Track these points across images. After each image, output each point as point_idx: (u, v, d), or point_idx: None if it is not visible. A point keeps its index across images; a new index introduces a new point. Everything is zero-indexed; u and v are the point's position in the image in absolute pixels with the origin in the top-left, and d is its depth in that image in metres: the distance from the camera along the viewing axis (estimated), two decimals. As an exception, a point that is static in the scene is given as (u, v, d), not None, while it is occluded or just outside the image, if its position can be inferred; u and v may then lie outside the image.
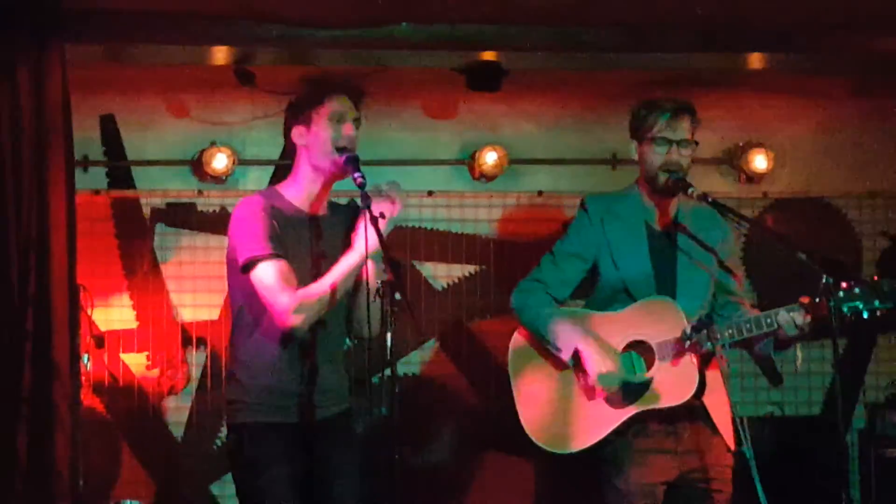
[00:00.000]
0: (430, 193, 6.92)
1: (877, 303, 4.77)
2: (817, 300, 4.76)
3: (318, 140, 4.80)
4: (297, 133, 4.83)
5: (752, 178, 7.08)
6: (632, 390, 4.94)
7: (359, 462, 4.88)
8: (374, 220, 4.52)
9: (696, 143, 5.12)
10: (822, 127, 7.20)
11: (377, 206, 4.58)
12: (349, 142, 4.78)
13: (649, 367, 4.94)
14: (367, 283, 4.74)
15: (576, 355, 5.02)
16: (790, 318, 4.80)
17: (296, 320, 4.68)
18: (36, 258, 5.08)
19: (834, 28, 6.26)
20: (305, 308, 4.67)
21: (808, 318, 4.79)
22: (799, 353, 5.41)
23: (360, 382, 5.12)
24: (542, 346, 5.16)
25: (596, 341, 5.00)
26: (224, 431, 6.51)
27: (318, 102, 4.84)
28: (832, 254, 5.10)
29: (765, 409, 6.88)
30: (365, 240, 4.60)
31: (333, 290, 4.71)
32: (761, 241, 6.66)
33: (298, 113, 4.89)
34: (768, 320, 4.84)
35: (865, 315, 4.77)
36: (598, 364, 4.93)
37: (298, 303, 4.66)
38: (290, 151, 4.97)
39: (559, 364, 5.11)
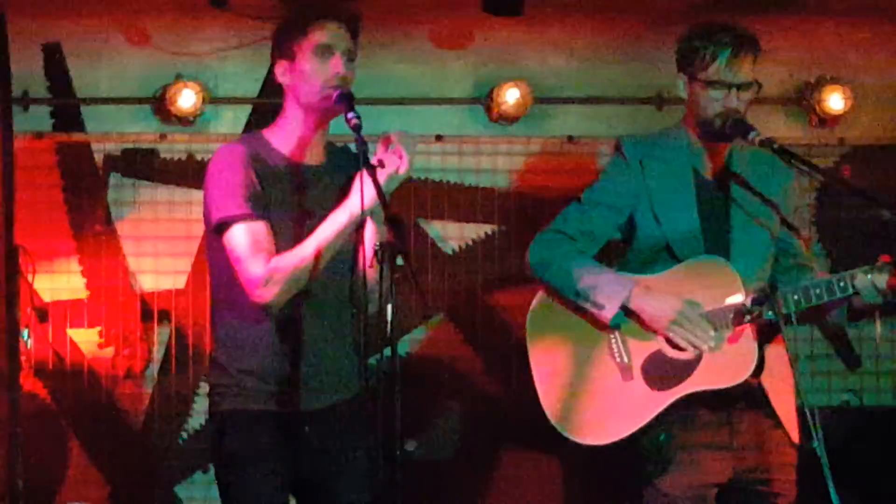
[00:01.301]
0: (438, 138, 6.94)
1: None
2: None
3: (302, 77, 4.81)
4: (280, 69, 4.84)
5: (826, 120, 7.07)
6: (678, 368, 4.93)
7: (367, 457, 4.88)
8: (372, 170, 4.47)
9: (760, 86, 5.07)
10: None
11: (384, 157, 4.60)
12: (340, 81, 4.75)
13: (715, 346, 4.89)
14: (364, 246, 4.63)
15: (625, 312, 5.01)
16: (869, 280, 4.73)
17: (266, 294, 4.69)
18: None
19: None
20: (278, 280, 4.68)
21: (893, 282, 4.73)
22: (879, 327, 5.46)
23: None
24: (572, 310, 5.12)
25: (650, 290, 5.01)
26: (191, 423, 6.61)
27: (301, 32, 4.83)
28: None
29: (840, 397, 6.85)
30: (361, 193, 4.57)
31: (318, 257, 4.71)
32: (836, 195, 6.69)
33: (280, 45, 4.89)
34: (842, 283, 4.79)
35: None
36: (666, 311, 4.96)
37: (270, 273, 4.67)
38: (275, 88, 4.97)
39: (592, 332, 5.10)
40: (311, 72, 4.77)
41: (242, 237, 4.70)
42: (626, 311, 5.03)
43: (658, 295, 4.98)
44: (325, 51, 4.77)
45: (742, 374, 4.85)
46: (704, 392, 4.90)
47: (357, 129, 4.57)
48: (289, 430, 4.75)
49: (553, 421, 5.06)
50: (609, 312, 4.99)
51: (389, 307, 4.35)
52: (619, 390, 5.00)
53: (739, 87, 4.99)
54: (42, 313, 6.55)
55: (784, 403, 4.97)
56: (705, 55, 4.99)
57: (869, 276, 4.78)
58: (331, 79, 4.73)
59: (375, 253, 4.48)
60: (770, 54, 5.62)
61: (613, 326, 5.05)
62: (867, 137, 7.17)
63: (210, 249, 4.89)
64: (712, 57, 5.01)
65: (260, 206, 4.72)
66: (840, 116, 7.06)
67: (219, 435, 4.86)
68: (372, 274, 4.65)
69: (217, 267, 4.83)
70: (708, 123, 5.00)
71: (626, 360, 4.98)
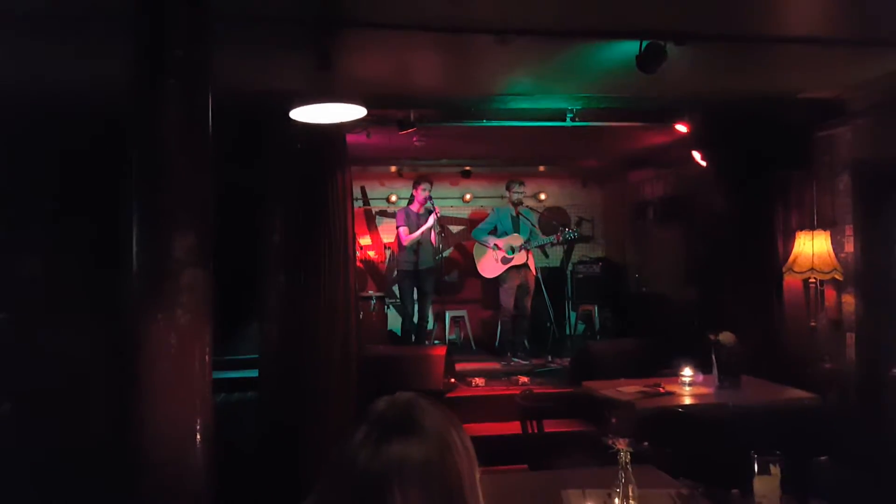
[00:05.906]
0: (452, 206, 6.43)
1: (572, 234, 4.91)
2: (559, 233, 4.84)
3: (418, 195, 4.92)
4: (415, 191, 4.94)
5: (542, 200, 6.54)
6: (509, 259, 4.85)
7: (434, 279, 4.84)
8: (435, 213, 4.60)
9: (526, 191, 5.16)
10: (567, 189, 6.65)
11: (437, 212, 4.68)
12: (427, 197, 4.84)
13: (515, 253, 4.85)
14: (433, 233, 4.74)
15: (494, 245, 4.93)
16: (552, 238, 4.84)
17: (405, 244, 4.72)
18: (343, 228, 4.17)
19: (571, 158, 5.99)
20: (410, 243, 4.71)
21: (559, 238, 4.86)
22: (554, 245, 5.16)
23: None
24: (483, 244, 4.98)
25: (499, 240, 4.93)
26: (395, 273, 6.19)
27: (418, 184, 4.91)
28: (564, 222, 5.61)
29: (545, 263, 6.40)
30: (433, 221, 4.62)
31: (421, 235, 4.69)
32: (545, 219, 5.97)
33: (415, 185, 4.96)
34: (546, 240, 4.89)
35: (571, 237, 4.87)
36: (500, 243, 4.82)
37: (406, 240, 4.72)
38: (413, 196, 5.10)
39: (486, 250, 4.88)
40: (420, 193, 4.82)
41: (403, 231, 4.78)
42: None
43: (495, 239, 4.81)
44: (425, 189, 4.82)
45: (523, 261, 4.87)
46: (513, 265, 4.82)
47: (433, 205, 4.69)
48: (416, 274, 4.81)
49: (481, 273, 4.97)
50: (490, 244, 4.86)
51: (440, 245, 4.63)
52: (495, 264, 4.89)
53: (522, 193, 4.95)
54: (361, 248, 6.06)
55: (532, 267, 4.84)
56: (513, 186, 4.94)
57: (552, 236, 4.80)
58: (426, 197, 4.81)
59: (438, 232, 4.56)
60: (531, 185, 5.68)
61: (491, 247, 4.95)
62: (551, 204, 6.54)
63: (397, 232, 4.87)
64: (514, 187, 4.95)
65: (408, 223, 4.77)
66: (545, 199, 6.56)
67: (399, 276, 4.92)
68: (435, 237, 4.75)
69: (398, 236, 4.85)
70: (513, 201, 5.02)
71: (497, 254, 4.85)
